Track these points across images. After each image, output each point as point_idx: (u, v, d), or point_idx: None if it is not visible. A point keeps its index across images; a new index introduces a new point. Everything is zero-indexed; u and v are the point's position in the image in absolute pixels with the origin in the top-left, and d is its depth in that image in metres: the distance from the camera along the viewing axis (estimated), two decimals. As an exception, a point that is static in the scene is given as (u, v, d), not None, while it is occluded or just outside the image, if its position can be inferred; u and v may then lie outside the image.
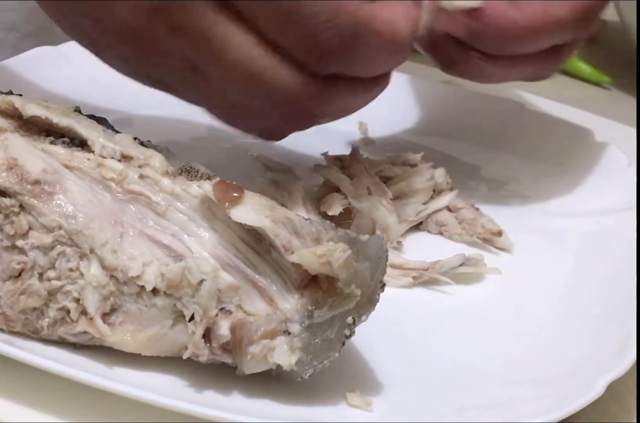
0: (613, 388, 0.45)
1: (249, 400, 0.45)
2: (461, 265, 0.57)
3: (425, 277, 0.57)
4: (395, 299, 0.54)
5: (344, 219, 0.58)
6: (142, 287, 0.44)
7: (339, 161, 0.64)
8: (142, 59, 0.49)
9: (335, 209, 0.58)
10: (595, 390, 0.44)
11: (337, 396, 0.46)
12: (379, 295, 0.44)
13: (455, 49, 0.58)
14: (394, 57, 0.50)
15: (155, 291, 0.44)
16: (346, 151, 0.65)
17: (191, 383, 0.45)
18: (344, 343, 0.44)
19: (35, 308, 0.45)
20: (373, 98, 0.53)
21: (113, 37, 0.48)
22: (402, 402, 0.46)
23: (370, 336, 0.48)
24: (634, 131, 0.73)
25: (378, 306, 0.45)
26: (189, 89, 0.50)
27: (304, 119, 0.52)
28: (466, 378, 0.49)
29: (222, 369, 0.46)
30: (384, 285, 0.45)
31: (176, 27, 0.46)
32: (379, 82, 0.52)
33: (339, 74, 0.49)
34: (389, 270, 0.56)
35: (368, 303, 0.44)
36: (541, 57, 0.59)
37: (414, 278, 0.57)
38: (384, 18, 0.48)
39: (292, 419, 0.44)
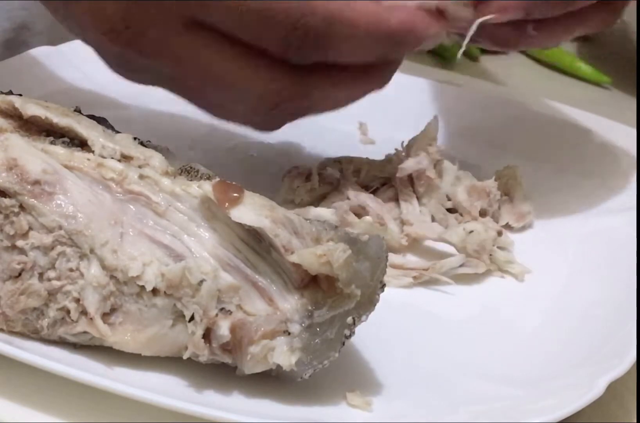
0: (613, 388, 0.45)
1: (249, 400, 0.45)
2: (461, 265, 0.57)
3: (425, 277, 0.56)
4: (395, 299, 0.54)
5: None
6: (142, 287, 0.44)
7: (338, 164, 0.64)
8: (130, 74, 0.53)
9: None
10: (595, 390, 0.44)
11: (337, 396, 0.46)
12: (379, 295, 0.44)
13: (503, 30, 0.55)
14: (375, 45, 0.50)
15: (155, 291, 0.44)
16: (346, 152, 0.65)
17: (191, 383, 0.45)
18: (343, 343, 0.44)
19: (35, 308, 0.45)
20: (362, 92, 0.53)
21: (106, 59, 0.53)
22: (402, 402, 0.46)
23: (371, 337, 0.48)
24: (634, 131, 0.73)
25: (378, 306, 0.45)
26: (177, 93, 0.53)
27: (291, 114, 0.53)
28: (466, 378, 0.49)
29: (222, 369, 0.46)
30: (384, 285, 0.45)
31: (153, 53, 0.49)
32: (369, 74, 0.52)
33: (320, 63, 0.50)
34: (389, 270, 0.56)
35: (368, 303, 0.44)
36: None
37: (414, 278, 0.57)
38: (360, 9, 0.49)
39: (292, 419, 0.44)
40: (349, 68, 0.51)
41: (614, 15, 0.58)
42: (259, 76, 0.49)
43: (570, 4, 0.54)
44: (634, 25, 0.89)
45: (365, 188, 0.62)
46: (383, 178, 0.63)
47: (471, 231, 0.58)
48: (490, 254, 0.58)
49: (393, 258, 0.57)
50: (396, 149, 0.63)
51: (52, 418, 0.43)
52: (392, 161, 0.63)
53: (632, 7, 0.87)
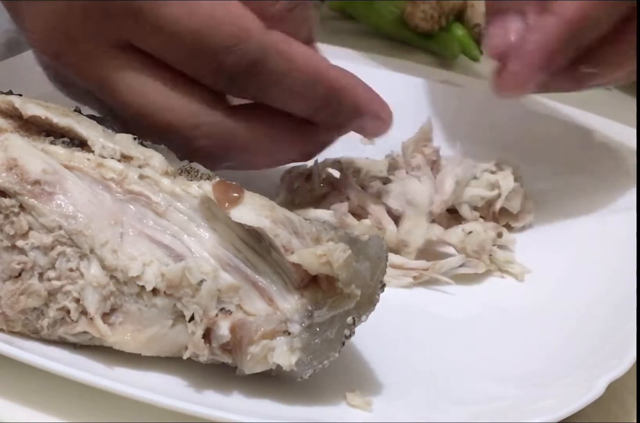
0: (613, 388, 0.45)
1: (249, 400, 0.45)
2: (461, 265, 0.57)
3: (425, 277, 0.56)
4: (395, 299, 0.54)
5: None
6: (142, 287, 0.44)
7: (338, 164, 0.64)
8: (63, 87, 0.53)
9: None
10: (595, 390, 0.44)
11: (337, 396, 0.46)
12: (378, 295, 0.44)
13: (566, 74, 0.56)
14: (310, 91, 0.49)
15: (155, 291, 0.44)
16: (346, 152, 0.65)
17: (191, 383, 0.45)
18: (343, 344, 0.44)
19: (35, 308, 0.45)
20: (285, 156, 0.53)
21: (43, 68, 0.53)
22: (402, 402, 0.46)
23: (371, 337, 0.48)
24: (634, 131, 0.73)
25: (378, 306, 0.45)
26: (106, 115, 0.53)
27: (211, 157, 0.51)
28: (466, 378, 0.49)
29: (222, 369, 0.46)
30: (384, 285, 0.45)
31: (80, 72, 0.49)
32: (295, 138, 0.52)
33: (251, 112, 0.49)
34: (389, 270, 0.56)
35: (368, 303, 0.44)
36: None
37: (415, 277, 0.57)
38: (298, 49, 0.48)
39: (292, 419, 0.44)
40: (277, 127, 0.51)
41: (626, 63, 0.58)
42: (181, 110, 0.49)
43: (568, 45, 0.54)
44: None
45: (365, 188, 0.62)
46: (383, 178, 0.63)
47: (470, 232, 0.58)
48: (490, 255, 0.58)
49: (393, 258, 0.57)
50: (392, 151, 0.63)
51: (52, 418, 0.43)
52: (390, 163, 0.63)
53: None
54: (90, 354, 0.46)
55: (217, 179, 0.47)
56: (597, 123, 0.72)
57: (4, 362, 0.44)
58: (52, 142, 0.48)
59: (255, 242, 0.45)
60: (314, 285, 0.44)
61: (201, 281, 0.44)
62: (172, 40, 0.47)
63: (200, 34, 0.46)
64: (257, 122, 0.50)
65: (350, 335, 0.44)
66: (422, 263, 0.57)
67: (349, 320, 0.44)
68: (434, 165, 0.62)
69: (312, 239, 0.45)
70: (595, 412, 0.46)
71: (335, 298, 0.44)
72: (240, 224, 0.45)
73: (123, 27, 0.47)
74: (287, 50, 0.48)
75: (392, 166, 0.63)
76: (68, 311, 0.45)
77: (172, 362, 0.46)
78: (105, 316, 0.45)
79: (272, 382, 0.46)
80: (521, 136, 0.70)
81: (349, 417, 0.45)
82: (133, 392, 0.42)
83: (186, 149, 0.50)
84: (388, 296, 0.46)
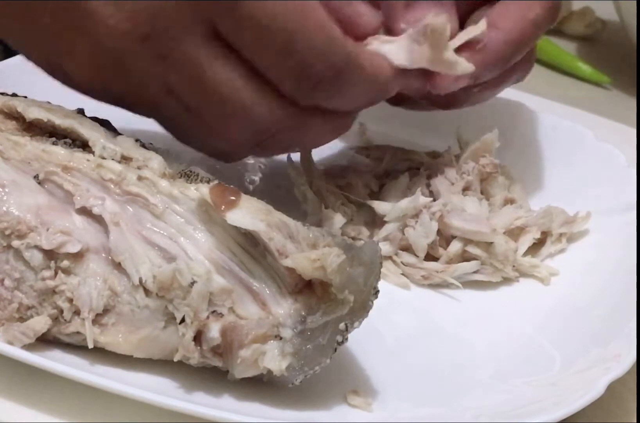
0: (613, 388, 0.45)
1: (249, 400, 0.45)
2: (476, 272, 0.57)
3: (436, 279, 0.56)
4: (395, 299, 0.54)
5: None
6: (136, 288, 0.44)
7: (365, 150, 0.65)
8: (116, 80, 0.50)
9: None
10: (595, 390, 0.44)
11: (337, 397, 0.46)
12: (372, 301, 0.44)
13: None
14: (372, 93, 0.51)
15: (147, 292, 0.44)
16: (345, 152, 0.65)
17: (187, 387, 0.45)
18: (335, 350, 0.44)
19: (29, 308, 0.45)
20: (337, 133, 0.54)
21: (90, 57, 0.49)
22: (402, 402, 0.46)
23: (371, 337, 0.48)
24: (634, 131, 0.73)
25: (378, 306, 0.44)
26: (156, 107, 0.51)
27: (280, 147, 0.54)
28: (466, 379, 0.49)
29: (217, 372, 0.45)
30: (378, 291, 0.44)
31: (162, 55, 0.48)
32: (347, 119, 0.53)
33: (318, 106, 0.50)
34: (388, 265, 0.56)
35: (361, 309, 0.44)
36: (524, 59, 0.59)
37: (423, 277, 0.56)
38: (369, 54, 0.50)
39: (292, 419, 0.44)
40: (339, 113, 0.52)
41: (531, 63, 0.61)
42: (271, 109, 0.49)
43: (507, 64, 0.57)
44: (634, 25, 0.89)
45: (390, 172, 0.63)
46: (408, 162, 0.63)
47: (491, 243, 0.57)
48: (514, 265, 0.58)
49: (405, 256, 0.57)
50: (449, 147, 0.63)
51: (52, 418, 0.43)
52: (438, 155, 0.63)
53: (632, 7, 0.87)
54: (89, 354, 0.45)
55: (216, 182, 0.47)
56: (597, 123, 0.72)
57: (4, 362, 0.44)
58: (54, 143, 0.48)
59: (251, 246, 0.45)
60: (308, 290, 0.44)
61: (192, 283, 0.43)
62: (264, 35, 0.47)
63: (292, 33, 0.46)
64: (321, 111, 0.51)
65: (342, 341, 0.44)
66: (435, 265, 0.57)
67: (342, 326, 0.43)
68: (488, 177, 0.62)
69: (309, 244, 0.44)
70: (595, 412, 0.46)
71: (329, 304, 0.43)
72: (236, 227, 0.44)
73: (218, 15, 0.46)
74: (362, 62, 0.49)
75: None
76: (61, 311, 0.45)
77: (166, 365, 0.45)
78: (98, 317, 0.44)
79: (270, 384, 0.45)
80: (520, 136, 0.70)
81: (349, 417, 0.45)
82: (133, 391, 0.42)
83: (256, 147, 0.52)
84: (389, 296, 0.46)
